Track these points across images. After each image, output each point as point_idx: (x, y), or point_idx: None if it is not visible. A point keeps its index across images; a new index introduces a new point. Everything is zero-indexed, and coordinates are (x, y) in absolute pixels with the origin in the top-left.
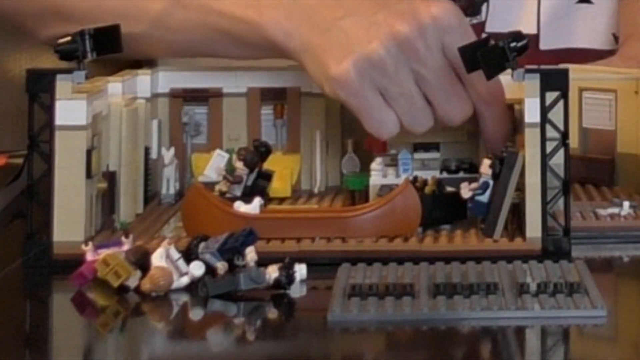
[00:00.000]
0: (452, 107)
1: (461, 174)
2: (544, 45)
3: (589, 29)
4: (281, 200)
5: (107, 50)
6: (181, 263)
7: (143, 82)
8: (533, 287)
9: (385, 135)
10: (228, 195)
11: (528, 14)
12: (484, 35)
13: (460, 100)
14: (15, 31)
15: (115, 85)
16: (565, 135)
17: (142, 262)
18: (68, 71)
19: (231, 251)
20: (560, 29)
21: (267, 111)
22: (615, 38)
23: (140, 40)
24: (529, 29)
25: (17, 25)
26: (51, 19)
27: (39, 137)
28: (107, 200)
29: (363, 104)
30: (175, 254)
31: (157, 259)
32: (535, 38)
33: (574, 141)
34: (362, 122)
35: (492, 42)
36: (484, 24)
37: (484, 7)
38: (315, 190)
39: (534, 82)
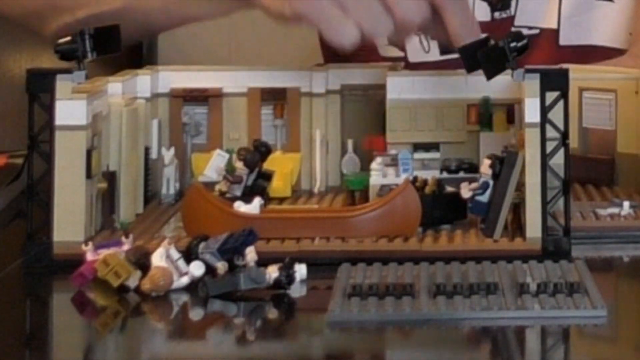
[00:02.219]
0: (409, 9)
1: (461, 174)
2: (563, 41)
3: (608, 27)
4: (281, 200)
5: (107, 50)
6: (181, 263)
7: (143, 82)
8: (533, 287)
9: (347, 44)
10: (228, 195)
11: (552, 9)
12: (512, 29)
13: (416, 2)
14: (28, 30)
15: (115, 85)
16: (565, 135)
17: (142, 262)
18: (68, 71)
19: (231, 251)
20: (580, 25)
21: (267, 111)
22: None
23: (121, 16)
24: (550, 24)
25: (26, 25)
26: (49, 14)
27: (39, 137)
28: (107, 200)
29: (323, 16)
30: (175, 254)
31: (157, 259)
32: (555, 33)
33: (574, 141)
34: (323, 35)
35: (492, 42)
36: (513, 18)
37: (513, 2)
38: (315, 190)
39: (534, 82)
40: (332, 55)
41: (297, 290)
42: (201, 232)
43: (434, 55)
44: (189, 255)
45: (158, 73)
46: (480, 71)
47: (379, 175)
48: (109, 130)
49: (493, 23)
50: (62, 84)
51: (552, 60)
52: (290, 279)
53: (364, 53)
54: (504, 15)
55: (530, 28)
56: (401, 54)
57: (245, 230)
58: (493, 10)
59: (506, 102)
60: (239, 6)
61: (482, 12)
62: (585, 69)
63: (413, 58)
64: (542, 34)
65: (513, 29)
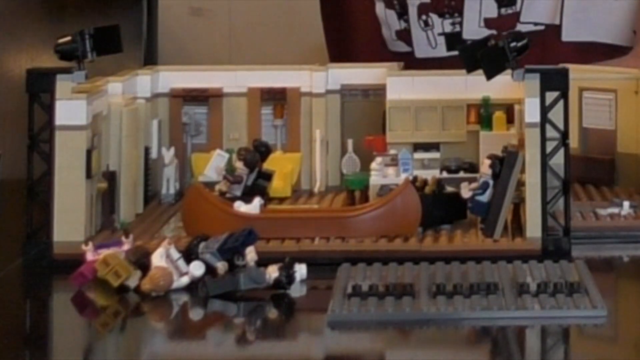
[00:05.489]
0: None
1: (461, 174)
2: (566, 37)
3: (610, 24)
4: (281, 200)
5: (107, 50)
6: (181, 263)
7: (143, 82)
8: (533, 287)
9: None
10: (228, 195)
11: (556, 5)
12: (519, 25)
13: None
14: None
15: (115, 85)
16: (565, 135)
17: (142, 262)
18: (68, 71)
19: (231, 251)
20: (582, 21)
21: (267, 111)
22: (635, 35)
23: None
24: (554, 20)
25: None
26: None
27: (39, 137)
28: (107, 200)
29: None
30: (175, 254)
31: (157, 259)
32: (557, 29)
33: (574, 141)
34: None
35: (492, 42)
36: (519, 15)
37: None
38: (315, 190)
39: (534, 82)
40: (338, 53)
41: (297, 290)
42: (201, 232)
43: (441, 51)
44: (189, 255)
45: (158, 73)
46: (480, 71)
47: (379, 175)
48: (109, 130)
49: (500, 19)
50: (62, 84)
51: (554, 55)
52: (290, 279)
53: (373, 48)
54: (509, 11)
55: (536, 24)
56: (409, 49)
57: (245, 230)
58: (500, 6)
59: (506, 102)
60: None
61: (490, 9)
62: (586, 69)
63: (420, 54)
64: (547, 30)
65: (519, 25)
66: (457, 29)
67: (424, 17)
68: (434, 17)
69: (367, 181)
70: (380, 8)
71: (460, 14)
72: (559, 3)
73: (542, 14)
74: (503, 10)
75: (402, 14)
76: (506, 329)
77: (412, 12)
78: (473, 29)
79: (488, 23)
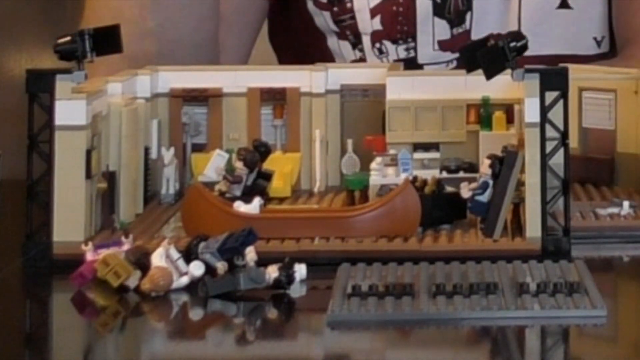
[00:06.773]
0: None
1: (461, 174)
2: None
3: (569, 35)
4: (281, 200)
5: (107, 50)
6: (181, 263)
7: (143, 82)
8: (533, 287)
9: None
10: (228, 195)
11: (511, 21)
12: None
13: None
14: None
15: (115, 85)
16: (565, 135)
17: (142, 262)
18: (68, 71)
19: (231, 251)
20: (541, 35)
21: (267, 111)
22: (597, 42)
23: None
24: None
25: None
26: None
27: (39, 137)
28: (107, 200)
29: None
30: (175, 254)
31: (157, 259)
32: None
33: (573, 141)
34: None
35: (492, 42)
36: (469, 33)
37: (467, 16)
38: (315, 190)
39: (534, 82)
40: (286, 57)
41: (297, 290)
42: (201, 232)
43: None
44: (188, 255)
45: (158, 73)
46: (480, 71)
47: (379, 175)
48: (109, 130)
49: (452, 40)
50: (62, 84)
51: None
52: (290, 279)
53: None
54: (460, 30)
55: None
56: None
57: (245, 230)
58: (452, 26)
59: (506, 102)
60: None
61: (442, 31)
62: (585, 69)
63: None
64: None
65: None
66: (412, 54)
67: (377, 44)
68: (388, 44)
69: (367, 181)
70: (332, 41)
71: (414, 39)
72: (513, 19)
73: (495, 30)
74: (455, 31)
75: (356, 43)
76: (506, 329)
77: (366, 40)
78: (428, 53)
79: (442, 45)
